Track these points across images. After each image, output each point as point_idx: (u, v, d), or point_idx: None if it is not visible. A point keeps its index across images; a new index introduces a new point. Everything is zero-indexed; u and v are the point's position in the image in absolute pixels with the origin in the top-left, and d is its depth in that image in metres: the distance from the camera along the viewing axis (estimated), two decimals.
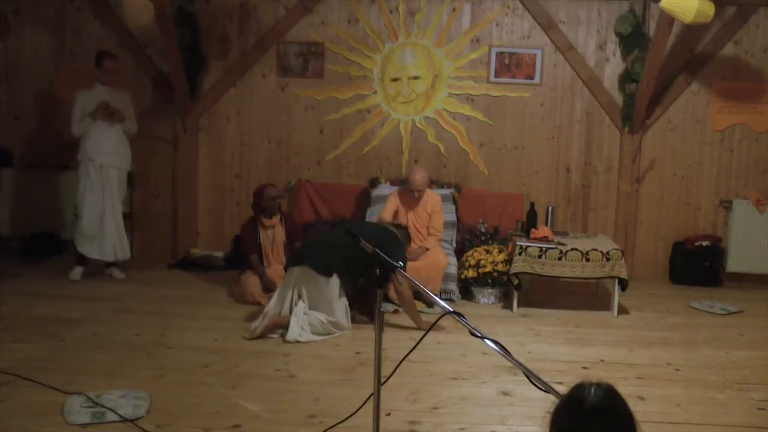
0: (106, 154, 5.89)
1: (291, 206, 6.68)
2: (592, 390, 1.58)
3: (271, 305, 4.80)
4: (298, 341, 4.57)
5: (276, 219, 5.77)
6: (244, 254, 5.77)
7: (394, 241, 4.98)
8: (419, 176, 5.76)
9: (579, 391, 1.60)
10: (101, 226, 5.92)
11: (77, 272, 6.02)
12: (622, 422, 1.56)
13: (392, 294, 5.28)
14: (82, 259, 6.03)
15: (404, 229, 5.37)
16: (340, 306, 4.81)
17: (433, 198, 5.90)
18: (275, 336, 4.67)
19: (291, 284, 4.80)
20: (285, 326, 4.67)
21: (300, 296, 4.76)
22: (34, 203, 6.74)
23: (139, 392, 3.57)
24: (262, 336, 4.62)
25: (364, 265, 4.72)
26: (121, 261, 6.11)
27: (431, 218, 5.86)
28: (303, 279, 4.77)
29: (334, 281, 4.78)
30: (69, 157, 6.57)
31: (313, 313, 4.70)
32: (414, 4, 6.60)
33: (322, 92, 6.73)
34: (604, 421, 1.55)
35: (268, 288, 5.45)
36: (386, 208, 5.85)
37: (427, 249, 5.71)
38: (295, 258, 4.96)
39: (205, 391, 3.73)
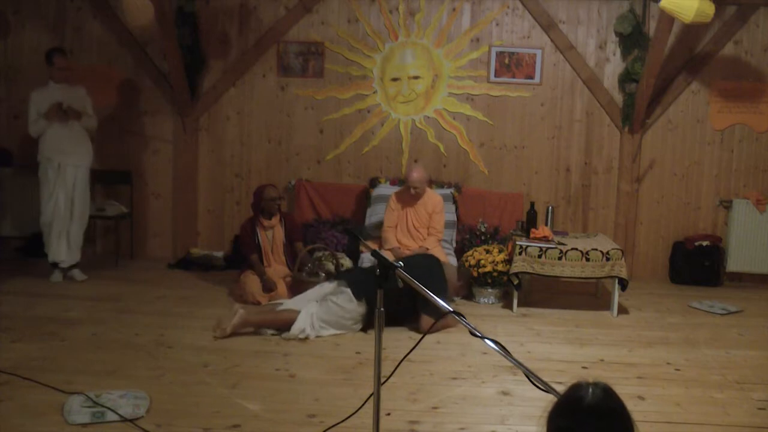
0: (64, 153, 5.79)
1: (291, 206, 6.68)
2: (590, 390, 1.59)
3: (288, 304, 4.90)
4: (300, 338, 4.58)
5: (275, 219, 5.77)
6: (243, 254, 5.77)
7: (437, 272, 5.03)
8: (416, 174, 5.77)
9: (576, 390, 1.60)
10: (51, 226, 5.83)
11: (57, 275, 5.90)
12: (619, 422, 1.56)
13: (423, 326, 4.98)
14: (55, 263, 5.94)
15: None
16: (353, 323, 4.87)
17: (434, 198, 5.90)
18: (272, 332, 4.68)
19: (320, 294, 4.89)
20: (267, 326, 4.71)
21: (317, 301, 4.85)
22: (34, 203, 6.73)
23: (139, 392, 3.57)
24: (233, 334, 4.62)
25: (396, 298, 4.73)
26: (68, 265, 5.93)
27: (431, 218, 5.85)
28: (334, 292, 4.84)
29: (361, 307, 4.80)
30: None
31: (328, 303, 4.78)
32: (414, 3, 6.60)
33: (322, 92, 6.73)
34: (601, 421, 1.55)
35: (269, 288, 5.45)
36: (385, 222, 5.91)
37: (427, 249, 5.72)
38: (341, 275, 5.09)
39: (205, 391, 3.73)
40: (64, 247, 5.87)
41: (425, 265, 4.96)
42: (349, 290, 4.78)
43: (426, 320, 4.77)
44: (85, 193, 5.98)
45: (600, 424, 1.54)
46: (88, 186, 6.02)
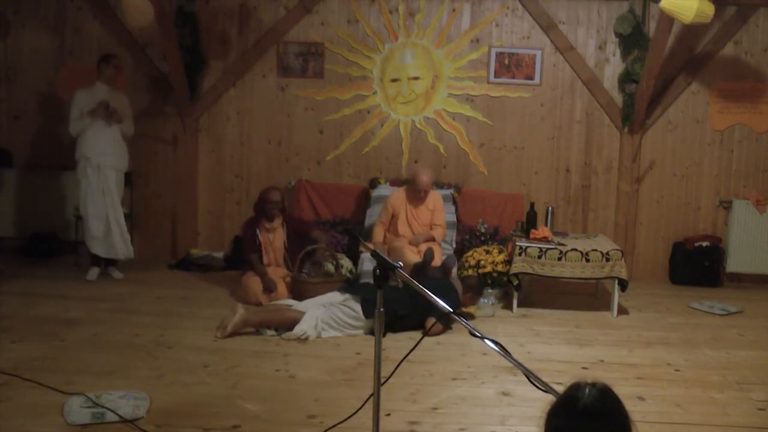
0: (103, 154, 5.86)
1: (291, 206, 6.68)
2: (587, 390, 1.59)
3: (296, 306, 4.91)
4: (300, 338, 4.58)
5: (277, 223, 5.77)
6: (244, 253, 5.78)
7: (452, 296, 5.04)
8: (425, 177, 5.84)
9: (574, 391, 1.60)
10: (107, 225, 5.92)
11: (93, 273, 6.03)
12: (616, 422, 1.56)
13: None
14: (96, 260, 6.05)
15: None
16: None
17: (435, 197, 5.98)
18: (271, 332, 4.68)
19: (329, 301, 4.89)
20: (268, 326, 4.71)
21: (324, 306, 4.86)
22: (34, 204, 6.74)
23: (139, 392, 3.56)
24: (233, 334, 4.62)
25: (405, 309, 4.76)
26: (127, 259, 6.11)
27: (433, 215, 5.94)
28: (344, 303, 4.84)
29: (367, 323, 4.80)
30: (69, 158, 6.55)
31: (333, 308, 4.78)
32: (414, 4, 6.60)
33: (322, 92, 6.73)
34: (597, 421, 1.55)
35: (270, 288, 5.45)
36: (380, 217, 5.96)
37: (432, 237, 5.80)
38: (354, 287, 5.09)
39: (205, 391, 3.73)
40: (117, 243, 5.95)
41: (439, 288, 4.95)
42: (359, 307, 4.77)
43: (431, 322, 4.77)
44: (122, 194, 6.09)
45: (596, 425, 1.55)
46: (123, 188, 6.13)
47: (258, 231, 5.73)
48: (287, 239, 5.79)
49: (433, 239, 5.83)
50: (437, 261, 5.50)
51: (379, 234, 5.93)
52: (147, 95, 6.79)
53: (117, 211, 5.99)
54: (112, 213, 5.94)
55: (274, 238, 5.76)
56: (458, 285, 5.48)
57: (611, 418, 1.56)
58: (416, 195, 5.88)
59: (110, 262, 6.13)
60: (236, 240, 6.57)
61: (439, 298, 2.39)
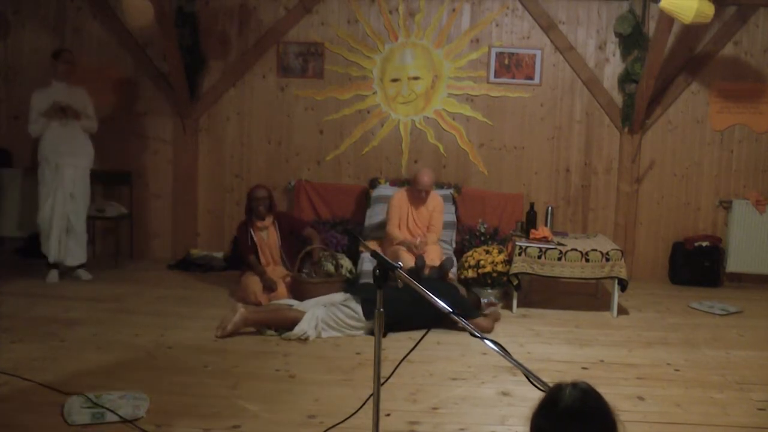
0: (61, 154, 5.78)
1: (291, 206, 6.68)
2: (567, 391, 1.59)
3: (296, 305, 4.92)
4: (301, 338, 4.58)
5: (268, 221, 5.77)
6: (242, 255, 5.79)
7: (453, 293, 5.06)
8: (427, 178, 5.82)
9: (555, 392, 1.61)
10: (60, 228, 5.83)
11: (53, 275, 5.89)
12: (598, 423, 1.56)
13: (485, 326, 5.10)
14: (55, 263, 5.94)
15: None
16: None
17: (435, 198, 5.97)
18: (271, 332, 4.68)
19: (330, 301, 4.90)
20: (268, 325, 4.71)
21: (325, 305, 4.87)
22: (34, 204, 6.73)
23: (138, 392, 3.57)
24: (233, 334, 4.62)
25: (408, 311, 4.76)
26: (64, 264, 5.94)
27: (432, 216, 5.91)
28: (344, 303, 4.85)
29: (367, 323, 4.80)
30: None
31: (333, 308, 4.79)
32: (414, 4, 6.60)
33: (322, 92, 6.73)
34: (578, 422, 1.55)
35: (269, 287, 5.46)
36: (392, 218, 5.87)
37: (426, 243, 5.77)
38: (355, 287, 5.10)
39: (205, 392, 3.73)
40: (71, 246, 5.87)
41: (445, 291, 4.94)
42: (359, 308, 4.78)
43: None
44: (85, 193, 5.98)
45: (576, 426, 1.55)
46: (88, 187, 6.01)
47: (251, 231, 5.73)
48: (281, 237, 5.79)
49: (425, 244, 5.78)
50: (435, 261, 5.50)
51: (398, 233, 5.84)
52: (147, 95, 6.79)
53: (77, 213, 5.89)
54: (73, 214, 5.86)
55: (267, 237, 5.76)
56: (461, 288, 5.49)
57: (592, 418, 1.57)
58: (417, 195, 5.87)
59: (80, 264, 6.00)
60: (235, 240, 6.57)
61: (439, 298, 2.38)
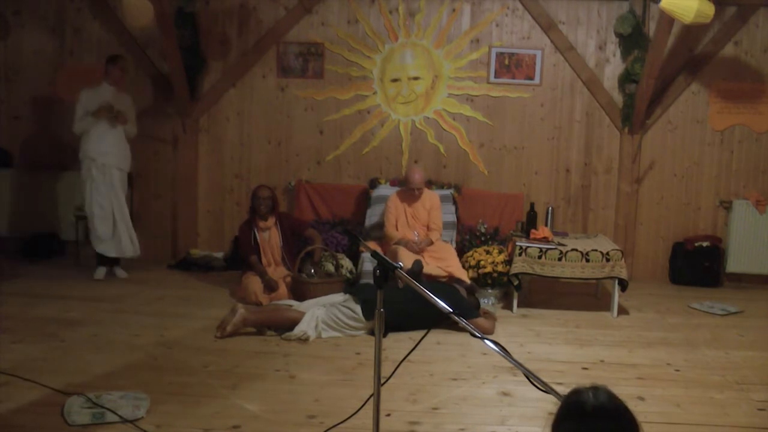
0: (107, 154, 5.90)
1: (291, 207, 6.68)
2: (590, 393, 1.57)
3: (297, 306, 4.92)
4: (301, 339, 4.58)
5: (271, 221, 5.77)
6: (243, 255, 5.79)
7: (454, 295, 5.06)
8: (418, 175, 5.85)
9: (577, 396, 1.58)
10: (114, 224, 5.96)
11: (101, 272, 6.09)
12: (627, 419, 1.55)
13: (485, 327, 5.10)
14: (102, 259, 6.08)
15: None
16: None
17: (431, 196, 5.98)
18: (271, 332, 4.68)
19: (330, 302, 4.90)
20: (268, 325, 4.72)
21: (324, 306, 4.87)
22: (34, 204, 6.75)
23: (138, 393, 3.57)
24: (233, 334, 4.62)
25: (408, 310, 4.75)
26: (135, 257, 6.18)
27: (430, 214, 5.92)
28: (344, 304, 4.84)
29: (367, 323, 4.80)
30: (69, 158, 6.59)
31: (332, 309, 4.79)
32: (414, 4, 6.60)
33: (322, 93, 6.73)
34: (610, 419, 1.53)
35: (271, 287, 5.46)
36: (389, 219, 5.89)
37: (432, 242, 5.77)
38: (355, 288, 5.08)
39: (205, 392, 3.73)
40: (124, 241, 6.01)
41: (448, 294, 4.94)
42: (359, 308, 4.77)
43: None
44: (125, 194, 6.11)
45: (610, 423, 1.53)
46: (126, 188, 6.16)
47: (254, 231, 5.73)
48: (283, 238, 5.79)
49: (431, 243, 5.79)
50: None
51: (395, 233, 5.85)
52: (147, 95, 6.79)
53: (123, 210, 6.03)
54: (119, 212, 5.99)
55: (269, 237, 5.76)
56: (462, 289, 5.48)
57: (623, 415, 1.55)
58: (410, 194, 5.88)
59: (115, 262, 6.16)
60: (235, 240, 6.57)
61: (439, 299, 2.38)
